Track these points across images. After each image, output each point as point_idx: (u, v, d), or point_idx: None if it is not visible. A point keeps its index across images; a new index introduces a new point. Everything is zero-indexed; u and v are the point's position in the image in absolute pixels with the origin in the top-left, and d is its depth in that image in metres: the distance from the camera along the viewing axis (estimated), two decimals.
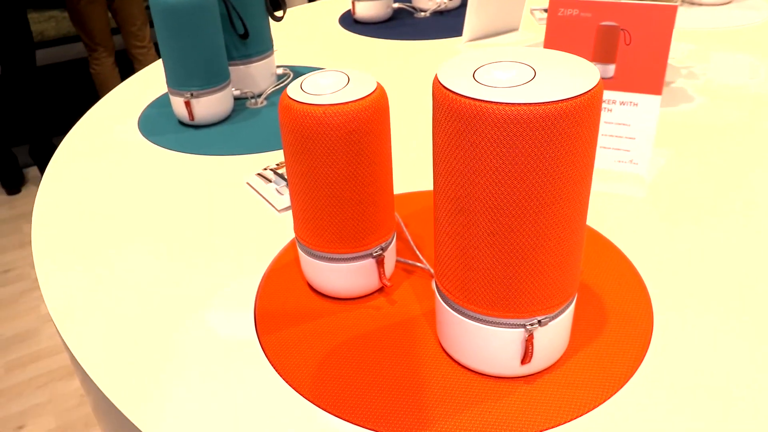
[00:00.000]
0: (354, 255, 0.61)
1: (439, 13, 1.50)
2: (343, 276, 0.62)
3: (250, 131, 1.00)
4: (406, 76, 1.18)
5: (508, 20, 1.29)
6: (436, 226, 0.52)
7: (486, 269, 0.49)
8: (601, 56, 0.78)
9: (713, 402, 0.52)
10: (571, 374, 0.55)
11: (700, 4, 1.42)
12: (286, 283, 0.67)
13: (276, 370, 0.57)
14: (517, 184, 0.45)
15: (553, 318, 0.52)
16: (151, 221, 0.79)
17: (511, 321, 0.51)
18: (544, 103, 0.43)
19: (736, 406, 0.51)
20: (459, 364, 0.56)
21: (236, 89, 1.07)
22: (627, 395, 0.53)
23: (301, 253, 0.64)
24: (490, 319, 0.51)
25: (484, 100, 0.43)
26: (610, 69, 0.78)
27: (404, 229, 0.69)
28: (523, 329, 0.51)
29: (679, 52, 1.19)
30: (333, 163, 0.56)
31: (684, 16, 1.37)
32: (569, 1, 0.78)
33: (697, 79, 1.09)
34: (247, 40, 1.05)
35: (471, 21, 1.24)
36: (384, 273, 0.63)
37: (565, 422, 0.51)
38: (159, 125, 1.04)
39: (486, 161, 0.45)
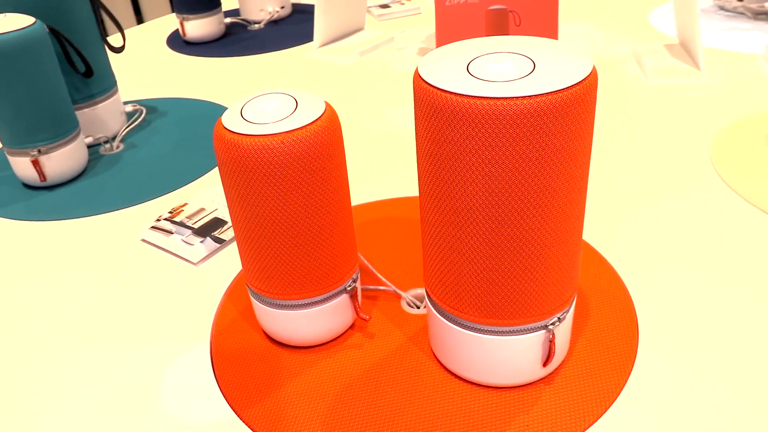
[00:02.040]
0: (328, 294, 0.54)
1: (273, 23, 1.43)
2: (319, 320, 0.55)
3: (116, 181, 0.87)
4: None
5: (354, 21, 1.26)
6: (432, 245, 0.47)
7: (506, 278, 0.45)
8: None
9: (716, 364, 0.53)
10: (581, 364, 0.53)
11: None
12: (243, 342, 0.58)
13: None
14: (534, 181, 0.41)
15: (568, 311, 0.50)
16: (34, 309, 0.65)
17: (534, 325, 0.48)
18: (543, 94, 0.40)
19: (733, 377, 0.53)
20: (473, 383, 0.52)
21: (87, 136, 0.92)
22: (641, 368, 0.53)
23: (262, 307, 0.55)
24: (512, 328, 0.48)
25: (480, 97, 0.39)
26: None
27: (359, 255, 0.63)
28: (545, 330, 0.48)
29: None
30: (299, 196, 0.49)
31: None
32: None
33: None
34: (91, 78, 0.91)
35: (320, 26, 1.19)
36: (359, 307, 0.57)
37: (600, 415, 0.49)
38: (0, 193, 0.87)
39: (501, 163, 0.41)
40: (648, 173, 0.78)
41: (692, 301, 0.59)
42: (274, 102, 0.50)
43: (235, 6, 1.54)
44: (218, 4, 1.33)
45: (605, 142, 0.85)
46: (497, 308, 0.47)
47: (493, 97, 0.39)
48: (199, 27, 1.32)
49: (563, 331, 0.50)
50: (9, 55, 0.76)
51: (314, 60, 1.21)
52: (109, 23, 0.98)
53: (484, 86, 0.40)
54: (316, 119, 0.48)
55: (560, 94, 0.39)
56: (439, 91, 0.41)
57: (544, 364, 0.50)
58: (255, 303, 0.56)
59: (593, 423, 0.48)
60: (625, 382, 0.51)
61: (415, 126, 0.45)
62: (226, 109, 1.05)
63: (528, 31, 0.77)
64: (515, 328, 0.48)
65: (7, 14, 0.80)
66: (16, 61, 0.77)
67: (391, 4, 1.43)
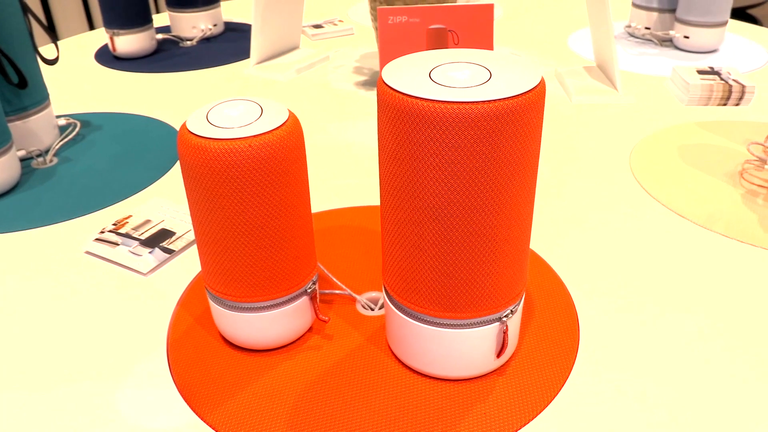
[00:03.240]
0: (289, 296, 0.55)
1: (206, 41, 1.43)
2: (280, 322, 0.56)
3: (52, 195, 0.85)
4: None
5: (289, 39, 1.29)
6: (393, 243, 0.50)
7: (465, 273, 0.48)
8: None
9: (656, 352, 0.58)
10: (529, 355, 0.57)
11: None
12: (201, 348, 0.59)
13: None
14: (492, 180, 0.45)
15: (519, 303, 0.53)
16: None
17: (489, 317, 0.51)
18: (499, 99, 0.43)
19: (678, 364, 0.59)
20: (430, 377, 0.55)
21: (20, 149, 0.90)
22: (585, 356, 0.57)
23: (222, 310, 0.56)
24: (468, 321, 0.51)
25: (459, 102, 0.43)
26: None
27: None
28: (498, 322, 0.52)
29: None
30: (262, 200, 0.50)
31: None
32: (396, 9, 0.81)
33: None
34: (24, 89, 0.88)
35: (257, 43, 1.20)
36: (318, 307, 0.58)
37: (548, 402, 0.53)
38: None
39: (462, 163, 0.44)
40: (575, 184, 0.83)
41: (625, 298, 0.64)
42: (239, 108, 0.51)
43: (166, 22, 1.53)
44: (150, 20, 1.32)
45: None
46: (454, 302, 0.50)
47: (455, 101, 0.42)
48: (130, 42, 1.30)
49: (515, 324, 0.54)
50: None
51: (251, 77, 1.22)
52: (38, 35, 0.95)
53: (447, 91, 0.43)
54: (281, 125, 0.50)
55: (514, 100, 0.43)
56: (404, 96, 0.44)
57: (498, 355, 0.53)
58: (214, 307, 0.57)
59: (543, 409, 0.52)
60: (570, 370, 0.55)
61: (378, 130, 0.47)
62: (164, 123, 1.04)
63: (466, 47, 0.81)
64: (471, 321, 0.51)
65: None
66: None
67: (324, 25, 1.46)
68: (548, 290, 0.65)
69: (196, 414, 0.52)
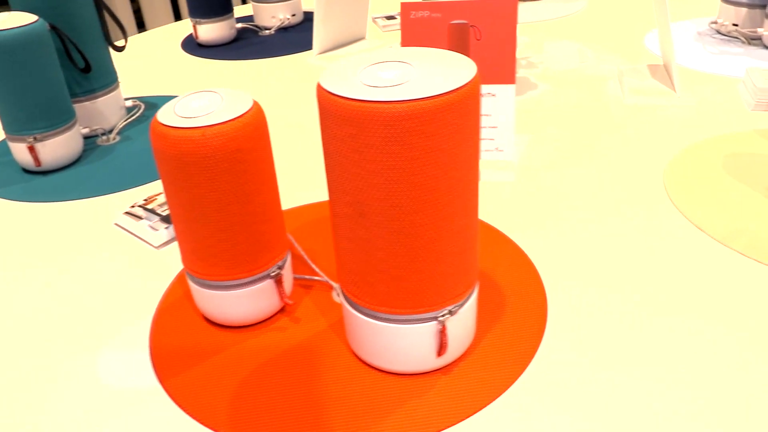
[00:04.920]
0: (251, 278, 0.59)
1: (283, 30, 1.50)
2: (242, 302, 0.59)
3: (107, 170, 0.94)
4: (265, 93, 1.16)
5: (355, 30, 1.32)
6: (335, 234, 0.52)
7: (391, 269, 0.49)
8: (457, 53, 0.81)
9: (614, 359, 0.56)
10: (484, 356, 0.57)
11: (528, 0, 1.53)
12: (180, 320, 0.64)
13: (188, 413, 0.53)
14: (411, 179, 0.45)
15: (462, 305, 0.53)
16: (18, 276, 0.71)
17: (423, 316, 0.51)
18: (430, 97, 0.43)
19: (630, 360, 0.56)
20: (377, 369, 0.56)
21: (84, 127, 1.00)
22: (537, 366, 0.55)
23: (193, 285, 0.60)
24: (402, 317, 0.51)
25: (372, 101, 0.43)
26: None
27: (296, 244, 0.68)
28: (435, 322, 0.52)
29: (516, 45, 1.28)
30: (218, 186, 0.54)
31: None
32: (419, 4, 0.81)
33: (536, 68, 1.17)
34: (89, 73, 0.98)
35: (319, 33, 1.25)
36: (284, 292, 0.61)
37: (487, 403, 0.52)
38: (1, 176, 0.94)
39: (379, 161, 0.45)
40: (601, 187, 0.80)
41: (602, 310, 0.61)
42: (203, 99, 0.55)
43: (250, 12, 1.61)
44: (230, 10, 1.40)
45: (569, 153, 0.87)
46: (387, 297, 0.51)
47: (369, 101, 0.43)
48: (210, 31, 1.39)
49: (459, 324, 0.54)
50: (11, 49, 0.84)
51: (312, 66, 1.26)
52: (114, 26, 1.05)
53: (365, 90, 0.44)
54: (239, 116, 0.53)
55: (430, 101, 0.43)
56: (327, 94, 0.45)
57: (439, 354, 0.54)
58: (189, 281, 0.61)
59: (473, 414, 0.52)
60: (516, 378, 0.55)
61: (320, 129, 0.49)
62: None
63: (488, 45, 0.80)
64: (406, 317, 0.51)
65: (12, 12, 0.88)
66: (17, 55, 0.84)
67: (397, 16, 1.48)
68: (525, 291, 0.64)
69: (158, 379, 0.57)
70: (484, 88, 0.82)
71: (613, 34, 1.31)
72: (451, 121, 0.45)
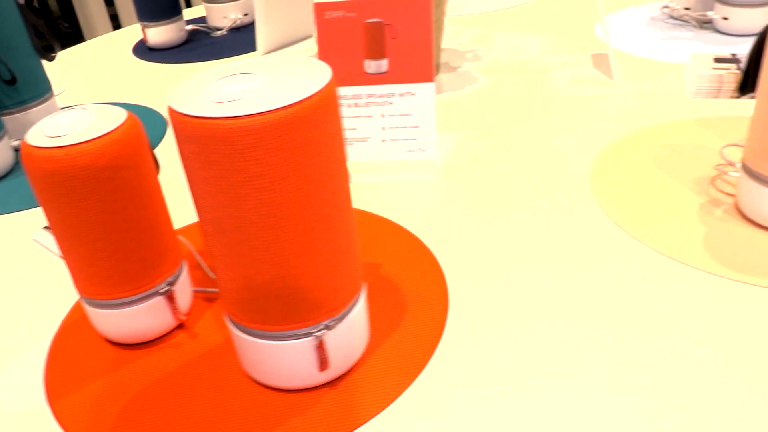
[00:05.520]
0: (139, 296, 0.57)
1: (236, 30, 1.48)
2: (133, 320, 0.58)
3: None
4: None
5: (302, 27, 1.30)
6: (208, 251, 0.50)
7: (257, 286, 0.48)
8: (373, 53, 0.80)
9: (506, 372, 0.54)
10: (375, 368, 0.55)
11: None
12: (80, 339, 0.63)
13: None
14: (261, 196, 0.44)
15: (341, 319, 0.52)
16: None
17: (298, 332, 0.50)
18: (272, 110, 0.42)
19: (529, 369, 0.54)
20: (262, 385, 0.55)
21: (16, 139, 0.98)
22: (427, 377, 0.54)
23: (85, 305, 0.59)
24: (277, 333, 0.50)
25: (211, 117, 0.42)
26: (384, 64, 0.80)
27: (197, 256, 0.67)
28: (311, 337, 0.51)
29: (465, 38, 1.26)
30: (89, 205, 0.52)
31: (469, 2, 1.45)
32: (332, 3, 0.79)
33: (482, 60, 1.15)
34: (15, 85, 0.97)
35: (262, 33, 1.23)
36: (177, 308, 0.60)
37: (370, 418, 0.51)
38: None
39: (226, 178, 0.43)
40: (525, 185, 0.78)
41: (505, 314, 0.60)
42: (71, 117, 0.54)
43: (202, 13, 1.59)
44: (179, 12, 1.39)
45: (500, 148, 0.85)
46: (261, 314, 0.49)
47: (212, 117, 0.42)
48: (160, 34, 1.38)
49: (342, 337, 0.52)
50: None
51: None
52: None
53: (211, 107, 0.43)
54: (107, 132, 0.52)
55: (271, 115, 0.42)
56: (175, 112, 0.44)
57: (321, 369, 0.52)
58: (82, 303, 0.60)
59: (353, 430, 0.50)
60: (402, 391, 0.53)
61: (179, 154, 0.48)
62: (157, 113, 1.10)
63: (404, 43, 0.79)
64: (280, 333, 0.50)
65: None
66: None
67: None
68: (428, 298, 0.62)
69: (47, 400, 0.56)
70: (403, 88, 0.80)
71: (564, 23, 1.29)
72: (299, 134, 0.43)
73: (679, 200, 0.72)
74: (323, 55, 0.81)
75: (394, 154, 0.83)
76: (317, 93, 0.44)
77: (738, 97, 0.92)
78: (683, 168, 0.78)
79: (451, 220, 0.73)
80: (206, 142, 0.42)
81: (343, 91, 0.81)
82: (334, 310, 0.51)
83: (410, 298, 0.63)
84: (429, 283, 0.64)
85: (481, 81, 1.07)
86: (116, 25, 2.78)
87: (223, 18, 1.47)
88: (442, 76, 1.10)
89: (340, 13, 0.79)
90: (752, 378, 0.51)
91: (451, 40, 1.25)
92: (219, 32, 1.47)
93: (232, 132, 0.41)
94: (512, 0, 1.44)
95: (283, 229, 0.45)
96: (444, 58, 1.17)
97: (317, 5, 0.79)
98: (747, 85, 0.69)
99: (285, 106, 0.42)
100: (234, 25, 1.47)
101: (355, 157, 0.83)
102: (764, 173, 0.63)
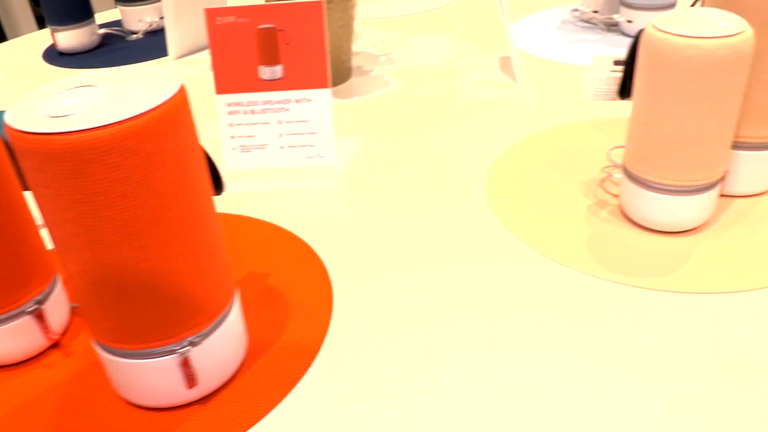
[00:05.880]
0: (2, 317, 0.55)
1: (152, 33, 1.44)
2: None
3: None
4: None
5: None
6: (63, 269, 0.49)
7: (113, 305, 0.46)
8: (266, 59, 0.79)
9: (389, 379, 0.54)
10: (251, 381, 0.54)
11: None
12: None
13: None
14: (102, 213, 0.42)
15: (209, 334, 0.51)
16: None
17: (161, 349, 0.49)
18: (107, 125, 0.41)
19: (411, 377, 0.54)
20: (132, 404, 0.53)
21: None
22: (304, 388, 0.54)
23: None
24: (139, 352, 0.49)
25: (44, 134, 0.40)
26: (278, 70, 0.79)
27: None
28: (175, 355, 0.49)
29: (379, 41, 1.26)
30: None
31: (388, 5, 1.45)
32: (224, 9, 0.78)
33: (395, 64, 1.15)
34: None
35: (173, 38, 1.20)
36: (49, 327, 0.58)
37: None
38: None
39: (67, 195, 0.42)
40: (421, 191, 0.78)
41: (392, 323, 0.60)
42: None
43: (118, 17, 1.55)
44: (90, 15, 1.35)
45: (401, 154, 0.85)
46: (120, 333, 0.48)
47: (45, 133, 0.40)
48: (70, 38, 1.33)
49: (212, 351, 0.51)
50: None
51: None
52: None
53: (46, 122, 0.41)
54: None
55: (103, 131, 0.40)
56: (10, 129, 0.42)
57: (189, 387, 0.51)
58: None
59: None
60: (274, 406, 0.53)
61: None
62: None
63: (298, 49, 0.78)
64: (142, 352, 0.49)
65: None
66: None
67: None
68: (312, 307, 0.62)
69: None
70: (299, 94, 0.80)
71: (481, 26, 1.30)
72: (140, 149, 0.42)
73: (568, 202, 0.73)
74: (216, 61, 0.79)
75: (293, 161, 0.82)
76: (160, 106, 0.42)
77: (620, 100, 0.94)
78: (575, 170, 0.79)
79: (344, 228, 0.73)
80: (41, 158, 0.41)
81: (238, 97, 0.80)
82: (198, 325, 0.50)
83: (294, 307, 0.62)
84: (314, 292, 0.64)
85: (392, 85, 1.07)
86: (43, 27, 2.69)
87: (139, 21, 1.43)
88: (354, 80, 1.09)
89: (231, 19, 0.78)
90: (634, 379, 0.52)
91: (366, 44, 1.25)
92: (134, 36, 1.43)
93: (65, 148, 0.40)
94: (431, 3, 1.45)
95: (132, 246, 0.44)
96: (357, 61, 1.17)
97: (208, 11, 0.78)
98: (625, 88, 0.71)
99: (122, 121, 0.41)
100: (150, 28, 1.44)
101: (254, 165, 0.82)
102: (641, 175, 0.65)
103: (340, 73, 1.08)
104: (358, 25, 1.34)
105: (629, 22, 1.15)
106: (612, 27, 1.21)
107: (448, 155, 0.85)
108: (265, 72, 0.79)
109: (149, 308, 0.47)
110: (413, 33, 1.29)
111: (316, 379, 0.54)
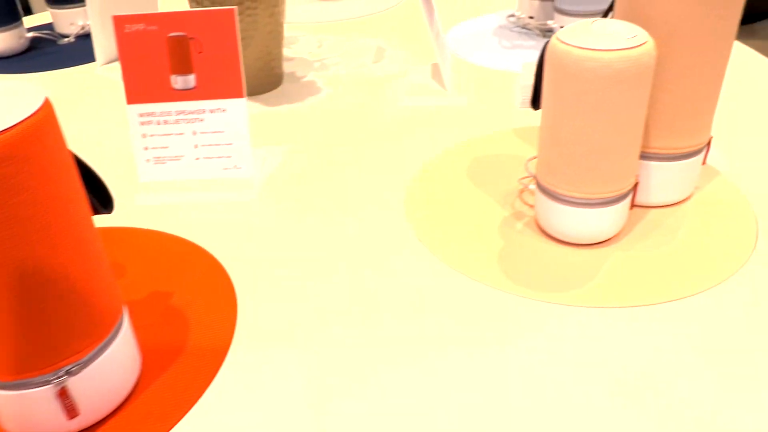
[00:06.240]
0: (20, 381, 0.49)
1: (85, 37, 1.40)
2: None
3: None
4: None
5: None
6: None
7: None
8: (178, 68, 0.76)
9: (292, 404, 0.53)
10: (141, 408, 0.52)
11: None
12: None
13: None
14: None
15: (89, 362, 0.48)
16: None
17: (35, 380, 0.46)
18: None
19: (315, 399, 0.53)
20: None
21: None
22: (198, 413, 0.52)
23: None
24: (13, 383, 0.46)
25: None
26: (191, 79, 0.77)
27: None
28: (50, 385, 0.47)
29: (315, 46, 1.24)
30: None
31: (327, 9, 1.43)
32: (132, 17, 0.75)
33: (328, 70, 1.13)
34: None
35: (99, 42, 1.17)
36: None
37: None
38: None
39: None
40: (341, 204, 0.77)
41: (297, 343, 0.58)
42: None
43: (49, 20, 1.51)
44: (18, 18, 1.30)
45: (326, 164, 0.84)
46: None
47: None
48: None
49: (95, 379, 0.49)
50: None
51: (100, 77, 1.19)
52: None
53: None
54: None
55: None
56: None
57: (69, 418, 0.49)
58: None
59: None
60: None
61: None
62: None
63: (211, 58, 0.76)
64: (16, 383, 0.46)
65: None
66: None
67: None
68: (215, 327, 0.60)
69: None
70: (213, 104, 0.77)
71: (420, 31, 1.29)
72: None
73: (485, 214, 0.73)
74: (127, 70, 0.77)
75: (210, 173, 0.80)
76: (18, 125, 0.40)
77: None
78: (495, 181, 0.78)
79: (258, 242, 0.71)
80: None
81: (151, 107, 0.78)
82: (76, 353, 0.47)
83: (195, 327, 0.60)
84: (218, 310, 0.62)
85: (323, 92, 1.05)
86: None
87: (71, 24, 1.39)
88: (285, 87, 1.07)
89: (141, 27, 0.75)
90: (534, 397, 0.51)
91: (302, 49, 1.23)
92: (66, 40, 1.39)
93: None
94: (371, 7, 1.44)
95: (10, 270, 0.42)
96: (291, 67, 1.15)
97: (116, 18, 0.75)
98: (537, 99, 0.70)
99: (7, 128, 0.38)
100: (82, 32, 1.39)
101: (169, 177, 0.79)
102: (550, 188, 0.64)
103: (270, 80, 1.06)
104: (294, 30, 1.32)
105: (562, 28, 1.15)
106: (547, 33, 1.21)
107: (371, 166, 0.84)
108: (178, 81, 0.77)
109: (18, 337, 0.44)
110: (351, 38, 1.27)
111: (212, 403, 0.53)
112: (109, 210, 0.55)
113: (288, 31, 1.31)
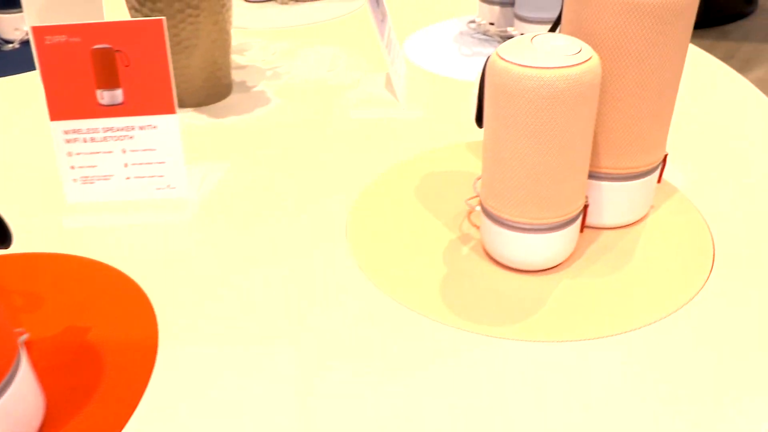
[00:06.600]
0: None
1: (27, 43, 1.34)
2: None
3: None
4: None
5: None
6: None
7: None
8: (104, 82, 0.72)
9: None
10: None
11: (302, 2, 1.45)
12: None
13: None
14: None
15: None
16: None
17: None
18: None
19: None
20: None
21: None
22: None
23: None
24: None
25: None
26: (118, 94, 0.72)
27: None
28: None
29: (269, 53, 1.19)
30: None
31: (283, 14, 1.39)
32: (53, 28, 0.70)
33: (280, 79, 1.09)
34: None
35: None
36: None
37: None
38: None
39: None
40: (284, 224, 0.73)
41: (220, 378, 0.54)
42: None
43: None
44: None
45: (270, 181, 0.79)
46: None
47: None
48: None
49: None
50: None
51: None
52: None
53: None
54: None
55: None
56: None
57: None
58: None
59: None
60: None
61: None
62: None
63: (139, 71, 0.71)
64: None
65: None
66: None
67: None
68: (131, 368, 0.55)
69: None
70: (143, 121, 0.73)
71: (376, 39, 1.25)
72: None
73: (430, 238, 0.69)
74: (49, 85, 0.72)
75: (142, 193, 0.75)
76: None
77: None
78: (442, 200, 0.75)
79: (189, 269, 0.66)
80: None
81: (76, 124, 0.73)
82: None
83: (110, 367, 0.55)
84: (136, 347, 0.57)
85: (273, 103, 1.01)
86: None
87: (15, 30, 1.33)
88: (233, 98, 1.03)
89: (62, 38, 0.70)
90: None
91: (255, 57, 1.18)
92: (10, 45, 1.33)
93: None
94: (327, 13, 1.39)
95: None
96: (241, 76, 1.10)
97: (36, 29, 0.70)
98: (480, 117, 0.66)
99: None
100: (27, 37, 1.33)
101: (98, 197, 0.75)
102: (493, 212, 0.61)
103: (217, 91, 1.01)
104: (248, 36, 1.27)
105: (522, 35, 1.11)
106: (507, 40, 1.17)
107: (315, 185, 0.80)
108: (104, 96, 0.72)
109: None
110: (305, 45, 1.23)
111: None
112: (6, 245, 0.50)
113: (242, 37, 1.26)
